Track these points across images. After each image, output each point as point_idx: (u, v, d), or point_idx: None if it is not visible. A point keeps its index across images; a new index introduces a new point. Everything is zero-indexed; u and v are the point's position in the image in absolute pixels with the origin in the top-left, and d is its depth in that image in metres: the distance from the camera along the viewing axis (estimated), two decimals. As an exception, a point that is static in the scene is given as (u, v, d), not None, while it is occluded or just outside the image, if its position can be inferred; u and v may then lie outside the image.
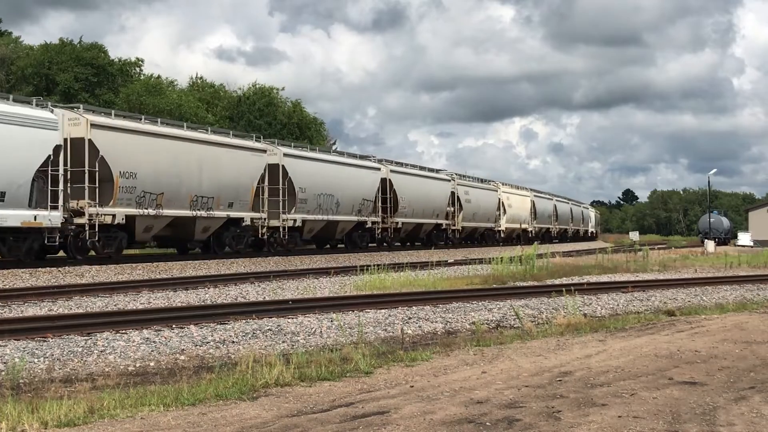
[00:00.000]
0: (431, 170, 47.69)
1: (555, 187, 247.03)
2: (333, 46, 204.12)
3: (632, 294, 17.56)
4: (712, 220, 72.81)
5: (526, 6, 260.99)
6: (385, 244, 40.66)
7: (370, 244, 40.10)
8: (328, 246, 38.63)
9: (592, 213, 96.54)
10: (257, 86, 61.01)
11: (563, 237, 73.10)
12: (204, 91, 60.13)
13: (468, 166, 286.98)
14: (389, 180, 40.13)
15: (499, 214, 55.88)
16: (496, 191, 55.88)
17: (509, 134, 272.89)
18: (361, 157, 40.49)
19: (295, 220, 32.59)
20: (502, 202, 56.12)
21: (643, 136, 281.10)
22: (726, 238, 78.55)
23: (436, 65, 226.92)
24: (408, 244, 45.69)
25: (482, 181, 55.93)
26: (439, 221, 45.91)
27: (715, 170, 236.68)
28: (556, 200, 72.83)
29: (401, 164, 44.47)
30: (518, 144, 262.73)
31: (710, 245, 46.71)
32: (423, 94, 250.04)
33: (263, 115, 57.76)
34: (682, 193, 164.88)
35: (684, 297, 17.40)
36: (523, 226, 60.33)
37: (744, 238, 72.56)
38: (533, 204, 62.52)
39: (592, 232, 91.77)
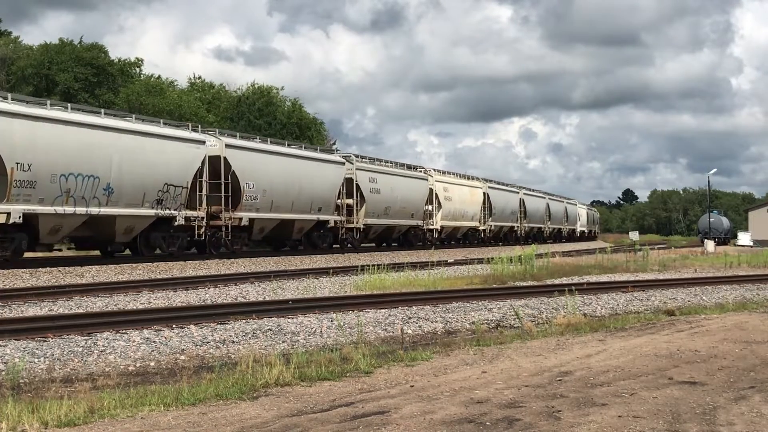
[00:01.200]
0: (313, 148, 37.91)
1: (554, 187, 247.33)
2: (332, 46, 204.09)
3: (632, 294, 17.56)
4: (712, 220, 72.83)
5: (523, 6, 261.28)
6: (223, 249, 29.84)
7: (212, 251, 29.16)
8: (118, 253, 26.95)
9: (582, 210, 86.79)
10: (256, 86, 61.08)
11: (538, 237, 63.37)
12: (204, 91, 60.19)
13: (467, 166, 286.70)
14: (224, 158, 28.72)
15: (432, 209, 45.13)
16: (426, 180, 44.75)
17: (508, 134, 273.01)
18: (169, 125, 28.21)
19: (8, 214, 20.79)
20: (436, 194, 45.35)
21: (641, 136, 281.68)
22: (726, 238, 78.60)
23: (435, 65, 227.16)
24: (287, 248, 34.75)
25: (409, 167, 45.04)
26: (325, 217, 35.16)
27: (715, 170, 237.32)
28: (525, 194, 61.97)
29: (251, 138, 33.65)
30: (517, 144, 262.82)
31: (710, 245, 46.70)
32: (422, 94, 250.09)
33: (263, 115, 57.79)
34: (681, 193, 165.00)
35: (684, 297, 17.40)
36: (472, 223, 50.74)
37: (744, 238, 72.61)
38: (487, 197, 52.42)
39: (582, 232, 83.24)
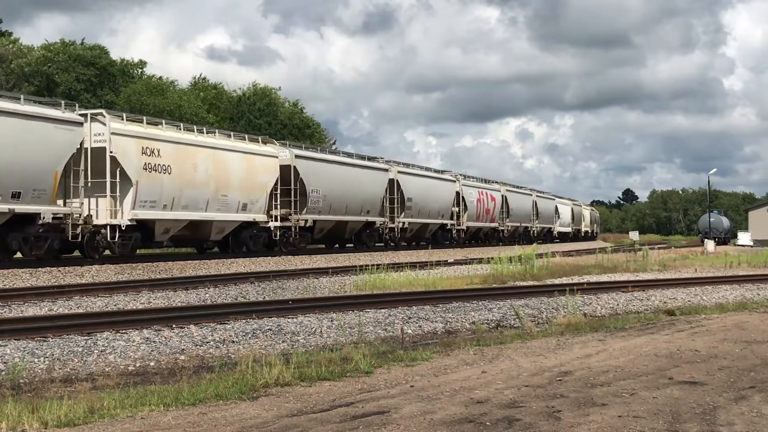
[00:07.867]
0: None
1: (551, 187, 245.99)
2: (325, 47, 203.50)
3: (632, 294, 17.56)
4: (712, 219, 72.80)
5: (512, 8, 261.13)
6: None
7: None
8: None
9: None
10: (257, 86, 61.11)
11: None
12: (207, 91, 60.22)
13: (464, 166, 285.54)
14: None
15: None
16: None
17: (503, 135, 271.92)
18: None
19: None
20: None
21: (636, 136, 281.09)
22: (726, 238, 78.52)
23: (427, 66, 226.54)
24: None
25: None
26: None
27: (715, 170, 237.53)
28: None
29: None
30: (513, 144, 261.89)
31: (710, 245, 46.71)
32: (415, 94, 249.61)
33: (263, 115, 57.82)
34: (681, 192, 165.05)
35: (684, 296, 17.39)
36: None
37: (744, 238, 72.55)
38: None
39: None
